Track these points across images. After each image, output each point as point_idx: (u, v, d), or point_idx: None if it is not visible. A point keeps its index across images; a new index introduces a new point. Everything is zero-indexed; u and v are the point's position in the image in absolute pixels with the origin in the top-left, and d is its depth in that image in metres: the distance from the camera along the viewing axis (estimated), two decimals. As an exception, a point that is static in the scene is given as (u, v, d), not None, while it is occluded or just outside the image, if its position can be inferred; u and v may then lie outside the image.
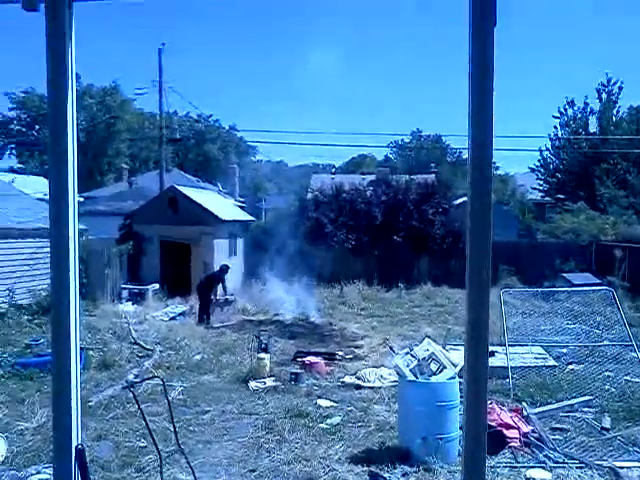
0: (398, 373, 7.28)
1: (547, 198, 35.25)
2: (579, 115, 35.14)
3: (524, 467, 6.36)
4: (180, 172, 39.52)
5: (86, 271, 15.91)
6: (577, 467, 6.31)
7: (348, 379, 9.97)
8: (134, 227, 20.84)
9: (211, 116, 53.85)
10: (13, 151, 50.72)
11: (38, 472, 5.85)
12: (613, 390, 9.07)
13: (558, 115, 35.43)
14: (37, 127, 48.69)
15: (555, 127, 35.80)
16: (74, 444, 2.16)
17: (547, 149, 36.17)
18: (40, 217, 16.37)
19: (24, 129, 50.15)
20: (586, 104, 35.02)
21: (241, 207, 28.59)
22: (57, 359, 2.16)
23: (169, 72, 36.43)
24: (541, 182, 36.17)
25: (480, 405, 1.93)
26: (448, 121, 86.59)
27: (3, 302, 14.44)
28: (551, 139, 35.94)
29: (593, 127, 35.13)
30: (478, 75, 1.86)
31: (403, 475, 6.14)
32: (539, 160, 36.39)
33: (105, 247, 18.51)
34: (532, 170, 36.84)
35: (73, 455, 2.16)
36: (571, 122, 35.22)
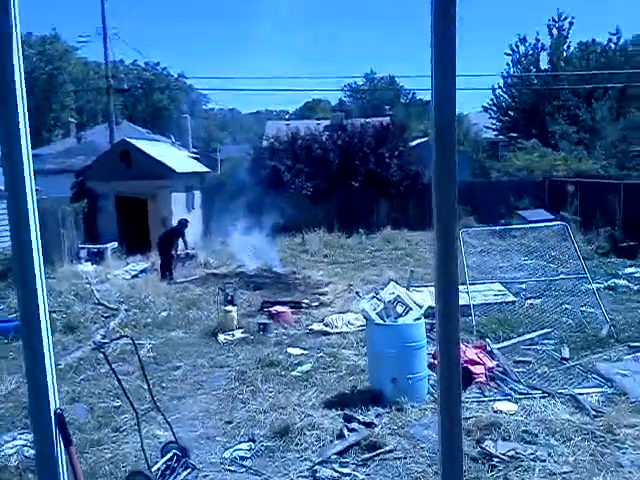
0: (365, 317, 7.42)
1: (500, 137, 35.64)
2: (530, 52, 35.23)
3: (491, 400, 6.64)
4: (130, 124, 38.37)
5: (41, 232, 15.46)
6: (541, 397, 6.62)
7: (316, 326, 10.12)
8: (87, 184, 20.27)
9: (159, 64, 52.12)
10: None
11: (14, 438, 5.83)
12: (570, 321, 9.46)
13: (510, 52, 35.51)
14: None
15: (507, 64, 35.95)
16: (52, 408, 2.14)
17: (499, 87, 36.37)
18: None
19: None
20: (537, 40, 35.14)
21: (196, 158, 28.04)
22: (26, 325, 2.11)
23: (114, 19, 34.94)
24: (494, 121, 36.47)
25: (452, 346, 1.97)
26: (401, 62, 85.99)
27: (-44, 269, 14.00)
28: (503, 77, 36.12)
29: (544, 64, 35.37)
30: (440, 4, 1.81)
31: (377, 416, 6.33)
32: (492, 99, 36.61)
33: (58, 207, 17.98)
34: (485, 109, 37.06)
35: (53, 420, 2.14)
36: (523, 59, 35.33)
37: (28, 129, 2.01)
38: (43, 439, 2.13)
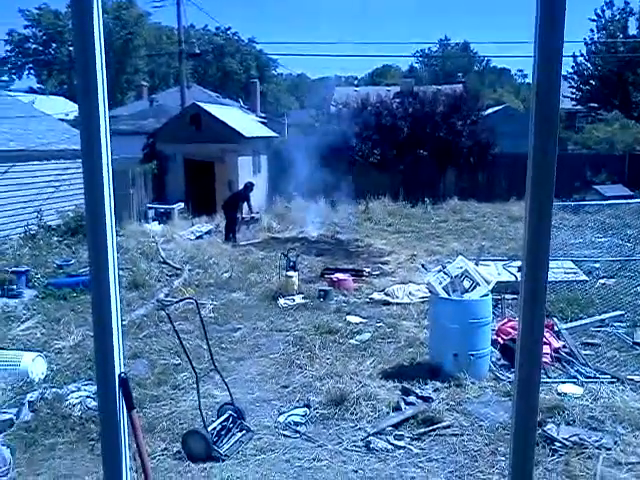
0: (430, 291, 7.24)
1: (579, 107, 33.93)
2: (617, 17, 33.12)
3: (556, 382, 6.38)
4: (200, 88, 38.73)
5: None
6: (609, 382, 6.31)
7: (376, 295, 10.00)
8: (157, 146, 20.66)
9: (229, 29, 52.28)
10: (31, 71, 50.04)
11: (78, 389, 6.03)
12: (645, 304, 8.96)
13: (595, 18, 33.49)
14: (54, 45, 47.69)
15: (591, 30, 33.92)
16: (117, 372, 2.14)
17: (582, 55, 34.42)
18: (63, 138, 16.27)
19: (40, 47, 49.20)
20: (626, 3, 32.91)
21: (263, 123, 28.07)
22: (97, 288, 2.10)
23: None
24: (574, 90, 34.66)
25: (536, 324, 1.87)
26: (476, 28, 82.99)
27: (32, 224, 14.59)
28: (586, 44, 34.07)
29: (633, 29, 33.21)
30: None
31: (435, 390, 6.20)
32: (572, 67, 34.70)
33: (129, 167, 18.42)
34: (565, 77, 35.11)
35: (117, 383, 2.14)
36: (609, 25, 33.26)
37: (106, 89, 1.98)
38: (107, 401, 2.15)
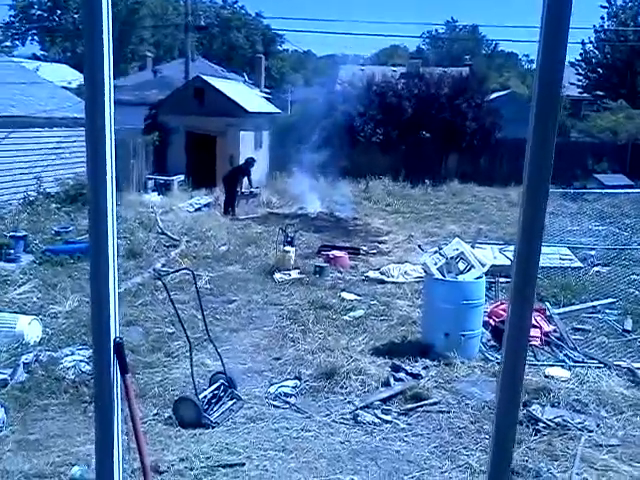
0: (425, 271, 7.31)
1: (585, 94, 33.65)
2: (630, 4, 32.71)
3: (544, 365, 6.48)
4: (205, 61, 38.37)
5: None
6: (596, 367, 6.40)
7: (372, 274, 10.07)
8: (159, 118, 20.55)
9: (237, 2, 51.64)
10: (35, 37, 49.46)
11: (72, 353, 6.11)
12: (637, 293, 9.03)
13: (606, 5, 33.07)
14: (58, 12, 47.06)
15: (602, 17, 33.50)
16: (112, 336, 2.19)
17: (590, 42, 34.04)
18: (66, 106, 16.19)
19: (45, 14, 48.56)
20: (640, -9, 32.55)
21: (267, 99, 27.89)
22: (95, 255, 2.15)
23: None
24: (580, 77, 34.36)
25: (526, 305, 1.90)
26: (484, 10, 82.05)
27: (32, 190, 14.60)
28: (596, 31, 33.67)
29: (644, 18, 32.77)
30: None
31: (424, 368, 6.29)
32: (580, 54, 34.36)
33: (131, 138, 18.37)
34: (572, 64, 34.79)
35: (112, 347, 2.19)
36: (620, 12, 32.84)
37: (112, 59, 2.00)
38: (101, 364, 2.21)
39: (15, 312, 7.13)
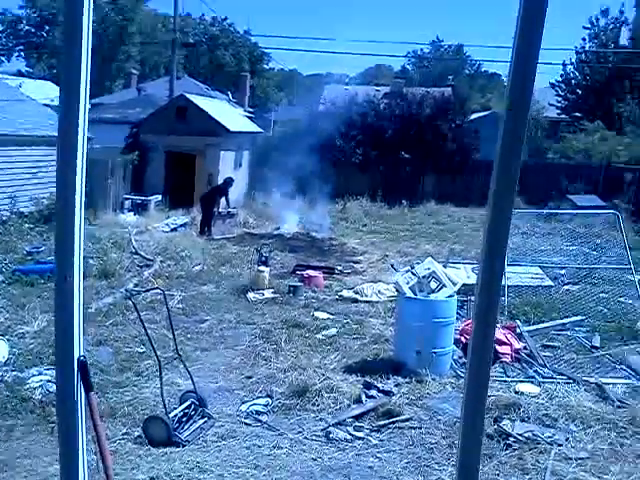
0: (398, 290, 7.36)
1: (563, 115, 33.84)
2: (611, 26, 32.75)
3: (514, 381, 6.55)
4: (190, 79, 38.33)
5: (89, 181, 15.77)
6: (565, 382, 6.49)
7: (346, 293, 10.10)
8: (140, 136, 20.44)
9: (226, 19, 51.67)
10: (21, 53, 49.00)
11: (40, 373, 6.03)
12: (606, 311, 9.19)
13: (589, 26, 33.23)
14: (47, 28, 46.57)
15: (583, 39, 33.37)
16: (76, 355, 2.18)
17: (571, 63, 33.66)
18: (47, 124, 16.05)
19: (33, 29, 48.09)
20: (621, 12, 32.52)
21: (250, 118, 27.94)
22: (60, 273, 2.16)
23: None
24: (559, 99, 34.42)
25: (489, 324, 1.95)
26: (470, 30, 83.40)
27: (5, 209, 14.42)
28: (577, 52, 33.73)
29: (624, 40, 32.94)
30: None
31: (396, 385, 6.32)
32: (561, 75, 34.32)
33: (109, 156, 18.24)
34: (552, 85, 34.85)
35: (75, 366, 2.18)
36: (601, 34, 32.86)
37: (89, 71, 2.00)
38: (65, 383, 2.19)
39: (-18, 332, 7.01)
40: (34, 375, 5.95)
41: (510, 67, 1.77)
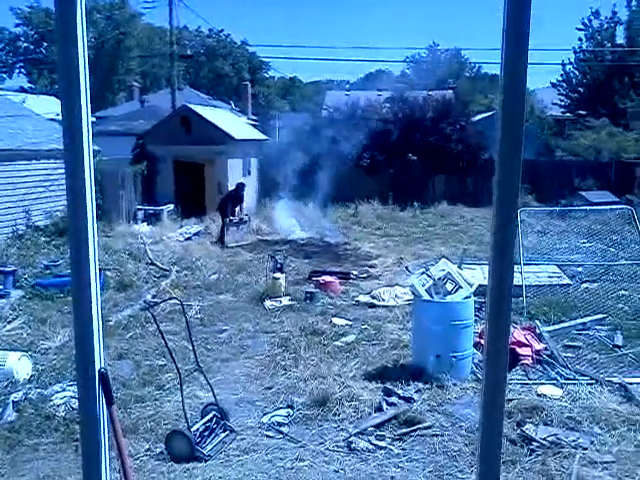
0: (414, 293, 7.32)
1: (568, 114, 34.14)
2: (606, 26, 33.43)
3: (536, 384, 6.49)
4: (192, 90, 38.67)
5: (101, 193, 15.96)
6: (588, 383, 6.42)
7: (362, 298, 10.08)
8: (147, 147, 20.60)
9: (222, 31, 52.22)
10: (22, 69, 49.78)
11: (63, 389, 6.06)
12: (627, 308, 9.10)
13: (582, 27, 33.79)
14: (45, 44, 47.43)
15: (580, 39, 34.19)
16: (97, 367, 2.18)
17: (570, 63, 34.70)
18: (53, 138, 16.21)
19: (32, 46, 48.95)
20: (614, 13, 33.18)
21: (254, 126, 28.06)
22: (77, 285, 2.14)
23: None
24: (562, 97, 34.89)
25: (503, 324, 1.91)
26: (466, 34, 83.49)
27: (20, 224, 14.56)
28: (575, 52, 34.32)
29: (620, 39, 33.46)
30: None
31: (417, 391, 6.28)
32: (561, 75, 34.93)
33: (119, 168, 18.40)
34: (553, 85, 35.41)
35: (97, 379, 2.18)
36: (596, 34, 33.55)
37: (88, 86, 2.02)
38: (86, 397, 2.18)
39: (4, 349, 7.06)
40: (57, 392, 5.98)
41: (501, 58, 1.78)
